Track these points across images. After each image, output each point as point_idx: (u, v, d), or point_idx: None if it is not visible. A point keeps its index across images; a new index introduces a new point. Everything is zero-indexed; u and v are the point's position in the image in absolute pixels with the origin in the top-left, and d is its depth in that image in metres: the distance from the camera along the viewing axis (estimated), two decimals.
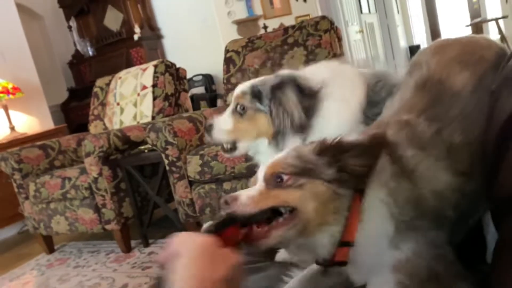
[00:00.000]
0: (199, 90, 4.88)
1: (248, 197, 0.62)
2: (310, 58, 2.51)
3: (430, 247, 0.64)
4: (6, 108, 3.67)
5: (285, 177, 0.64)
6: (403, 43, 8.46)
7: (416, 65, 0.87)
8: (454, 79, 0.77)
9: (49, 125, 4.15)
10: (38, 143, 3.11)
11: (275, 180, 0.64)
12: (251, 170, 2.10)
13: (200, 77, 4.92)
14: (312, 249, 0.66)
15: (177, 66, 3.22)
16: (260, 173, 0.68)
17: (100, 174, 2.52)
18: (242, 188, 2.19)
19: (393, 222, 0.64)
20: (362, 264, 0.67)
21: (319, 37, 2.48)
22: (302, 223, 0.62)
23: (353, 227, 0.64)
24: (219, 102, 4.76)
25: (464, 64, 0.79)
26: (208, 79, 4.96)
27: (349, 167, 0.64)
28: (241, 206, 0.61)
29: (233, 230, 0.59)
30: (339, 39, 2.55)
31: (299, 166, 0.65)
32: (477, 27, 7.32)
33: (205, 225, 0.61)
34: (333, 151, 0.65)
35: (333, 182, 0.63)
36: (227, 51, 2.83)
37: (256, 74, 2.67)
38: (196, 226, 2.39)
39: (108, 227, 2.59)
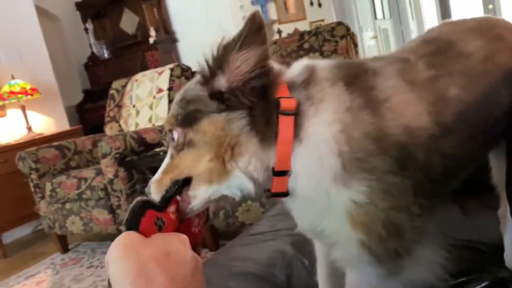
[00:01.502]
0: None
1: (154, 182, 0.57)
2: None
3: (389, 195, 0.53)
4: (24, 109, 3.73)
5: (175, 135, 0.56)
6: None
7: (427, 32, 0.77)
8: (466, 43, 0.67)
9: (65, 126, 4.20)
10: (55, 143, 3.16)
11: (171, 139, 0.57)
12: None
13: None
14: (240, 192, 0.58)
15: (193, 70, 3.25)
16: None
17: (115, 175, 2.55)
18: None
19: (340, 159, 0.53)
20: (306, 200, 0.57)
21: (335, 43, 2.49)
22: (209, 184, 0.56)
23: (284, 156, 0.54)
24: None
25: (479, 34, 0.69)
26: None
27: (237, 76, 0.53)
28: (152, 194, 0.57)
29: (148, 217, 0.53)
30: (355, 45, 2.56)
31: (184, 113, 0.55)
32: None
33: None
34: (218, 64, 0.54)
35: (222, 111, 0.53)
36: None
37: None
38: (210, 229, 2.40)
39: (122, 228, 2.61)
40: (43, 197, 2.95)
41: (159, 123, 3.05)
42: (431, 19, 8.88)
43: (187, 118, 0.55)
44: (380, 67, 0.61)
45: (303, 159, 0.55)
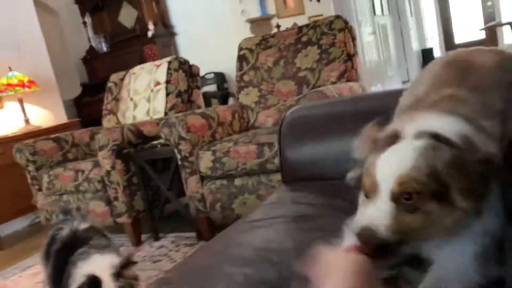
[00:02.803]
0: (211, 88, 4.91)
1: (388, 227, 0.57)
2: (323, 57, 2.52)
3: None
4: (21, 101, 3.73)
5: (414, 197, 0.56)
6: (415, 46, 8.42)
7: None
8: (480, 57, 0.76)
9: (63, 119, 4.20)
10: (52, 136, 3.16)
11: (403, 198, 0.57)
12: (263, 167, 2.12)
13: (212, 75, 4.95)
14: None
15: (190, 63, 3.24)
16: (384, 184, 0.58)
17: (113, 167, 2.55)
18: (253, 186, 2.20)
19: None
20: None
21: (333, 36, 2.50)
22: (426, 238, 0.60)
23: None
24: (231, 101, 4.79)
25: (488, 51, 0.79)
26: (220, 77, 4.98)
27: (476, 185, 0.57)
28: (382, 238, 0.56)
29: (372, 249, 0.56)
30: (353, 38, 2.56)
31: (432, 188, 0.56)
32: (491, 31, 7.26)
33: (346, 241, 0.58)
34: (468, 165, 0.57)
35: (464, 210, 0.57)
36: (240, 49, 2.85)
37: (269, 72, 2.69)
38: (206, 222, 2.41)
39: (119, 220, 2.63)
40: (40, 189, 2.95)
41: (156, 116, 3.05)
42: (430, 16, 8.88)
43: (435, 193, 0.57)
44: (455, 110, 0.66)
45: None
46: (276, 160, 2.05)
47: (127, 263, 1.44)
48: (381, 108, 1.13)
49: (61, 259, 1.57)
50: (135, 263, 1.47)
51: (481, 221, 0.59)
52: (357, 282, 0.51)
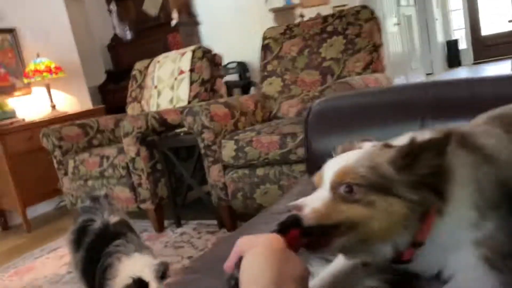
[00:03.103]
0: (233, 77, 4.92)
1: (313, 210, 0.59)
2: (349, 47, 2.50)
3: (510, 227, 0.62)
4: (48, 87, 3.81)
5: (354, 189, 0.59)
6: (440, 38, 8.25)
7: None
8: None
9: (88, 105, 4.27)
10: (78, 121, 3.22)
11: (343, 189, 0.60)
12: (285, 157, 2.12)
13: (234, 65, 4.95)
14: (373, 254, 0.63)
15: (213, 52, 3.25)
16: (327, 177, 0.62)
17: (137, 154, 2.59)
18: (275, 176, 2.21)
19: (477, 211, 0.62)
20: (431, 258, 0.64)
21: (360, 27, 2.47)
22: (365, 236, 0.60)
23: (426, 230, 0.61)
24: (252, 90, 4.79)
25: None
26: (242, 67, 4.98)
27: (425, 176, 0.59)
28: (305, 218, 0.58)
29: (295, 233, 0.56)
30: (379, 29, 2.52)
31: (373, 180, 0.59)
32: None
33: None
34: (410, 160, 0.60)
35: (413, 202, 0.59)
36: (264, 38, 2.84)
37: (293, 62, 2.68)
38: (228, 210, 2.43)
39: (143, 206, 2.67)
40: (66, 174, 3.02)
41: (180, 104, 3.08)
42: (456, 7, 8.67)
43: (376, 186, 0.59)
44: (468, 129, 0.71)
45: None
46: (299, 151, 2.05)
47: (168, 266, 1.49)
48: (410, 101, 1.13)
49: (94, 251, 1.63)
50: (168, 264, 1.51)
51: (482, 227, 0.61)
52: (279, 261, 0.50)
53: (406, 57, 6.64)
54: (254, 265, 0.49)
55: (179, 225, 2.74)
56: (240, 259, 0.51)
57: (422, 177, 0.59)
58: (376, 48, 2.47)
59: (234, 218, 2.46)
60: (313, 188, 0.66)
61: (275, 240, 0.53)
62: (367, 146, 0.68)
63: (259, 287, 0.47)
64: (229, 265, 0.54)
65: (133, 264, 1.48)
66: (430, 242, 0.62)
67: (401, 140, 0.66)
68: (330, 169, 0.63)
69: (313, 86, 2.58)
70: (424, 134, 0.63)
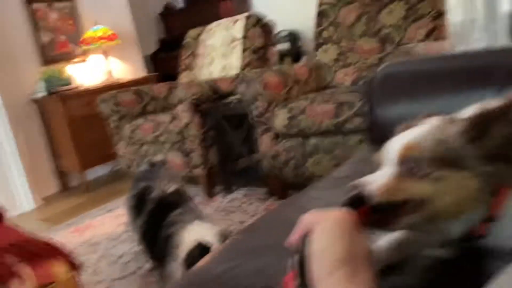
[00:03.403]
0: (284, 46, 4.83)
1: (379, 187, 0.57)
2: (410, 13, 2.37)
3: None
4: (105, 54, 3.91)
5: (422, 164, 0.57)
6: (506, 6, 7.68)
7: None
8: None
9: (142, 73, 4.36)
10: (133, 88, 3.30)
11: (410, 164, 0.57)
12: (340, 127, 2.07)
13: (285, 33, 4.84)
14: (443, 232, 0.61)
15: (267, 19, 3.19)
16: (391, 153, 0.60)
17: (190, 121, 2.62)
18: (328, 146, 2.17)
19: None
20: (506, 232, 0.60)
21: None
22: (435, 213, 0.57)
23: (500, 204, 0.58)
24: (303, 59, 4.69)
25: None
26: (293, 36, 4.87)
27: (498, 147, 0.56)
28: (372, 196, 0.56)
29: (366, 210, 0.55)
30: None
31: (441, 154, 0.56)
32: None
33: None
34: (481, 130, 0.56)
35: (486, 174, 0.55)
36: (320, 3, 2.75)
37: (350, 28, 2.58)
38: (278, 179, 2.43)
39: (195, 171, 2.73)
40: (121, 139, 3.12)
41: (232, 72, 3.07)
42: None
43: (445, 160, 0.57)
44: None
45: None
46: (356, 120, 2.00)
47: (230, 232, 1.57)
48: (487, 67, 1.05)
49: (154, 219, 1.71)
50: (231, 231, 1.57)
51: None
52: (351, 238, 0.48)
53: (467, 27, 6.25)
54: (324, 240, 0.48)
55: (229, 191, 2.78)
56: (306, 235, 0.50)
57: (495, 148, 0.56)
58: (440, 14, 2.32)
59: (284, 187, 2.46)
60: (376, 165, 0.64)
61: (348, 215, 0.51)
62: (433, 121, 0.63)
63: (330, 262, 0.45)
64: (294, 239, 0.52)
65: (196, 231, 1.53)
66: (504, 216, 0.59)
67: (468, 112, 0.62)
68: (395, 145, 0.60)
69: (371, 54, 2.48)
70: (493, 103, 0.59)
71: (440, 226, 0.59)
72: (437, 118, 0.64)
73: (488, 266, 0.63)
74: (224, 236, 1.50)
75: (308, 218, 0.52)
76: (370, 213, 0.55)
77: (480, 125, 0.56)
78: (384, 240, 0.70)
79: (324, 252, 0.47)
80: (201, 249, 1.46)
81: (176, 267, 1.57)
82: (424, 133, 0.59)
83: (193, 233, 1.53)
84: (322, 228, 0.49)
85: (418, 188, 0.56)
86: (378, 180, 0.57)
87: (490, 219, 0.59)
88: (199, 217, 1.68)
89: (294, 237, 0.52)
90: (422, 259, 0.68)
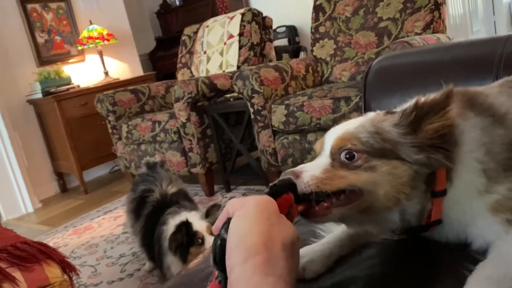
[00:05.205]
0: (282, 42, 4.80)
1: (312, 177, 0.56)
2: (408, 5, 2.34)
3: None
4: (101, 54, 3.88)
5: (356, 155, 0.57)
6: None
7: None
8: None
9: (139, 72, 4.34)
10: (130, 87, 3.27)
11: (343, 156, 0.57)
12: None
13: (283, 29, 4.81)
14: (379, 224, 0.61)
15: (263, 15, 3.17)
16: (327, 143, 0.60)
17: (188, 119, 2.60)
18: None
19: (486, 174, 0.58)
20: (451, 221, 0.61)
21: None
22: (369, 204, 0.57)
23: (442, 181, 0.58)
24: (302, 55, 4.66)
25: None
26: (291, 31, 4.84)
27: (431, 138, 0.57)
28: (302, 185, 0.56)
29: (288, 197, 0.54)
30: None
31: (375, 145, 0.57)
32: None
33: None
34: (414, 121, 0.57)
35: (418, 162, 0.56)
36: None
37: (347, 23, 2.55)
38: (277, 176, 2.41)
39: (194, 170, 2.70)
40: (119, 139, 3.10)
41: (229, 69, 3.04)
42: None
43: (379, 151, 0.58)
44: (480, 91, 0.67)
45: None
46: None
47: (214, 206, 1.64)
48: (483, 56, 1.02)
49: (152, 221, 1.73)
50: (220, 206, 1.66)
51: (494, 192, 0.57)
52: (270, 221, 0.47)
53: (467, 19, 6.21)
54: (242, 225, 0.47)
55: (228, 189, 2.76)
56: (228, 220, 0.49)
57: (427, 139, 0.57)
58: (438, 6, 2.29)
59: None
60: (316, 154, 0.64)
61: (266, 202, 0.50)
62: (370, 113, 0.65)
63: (245, 248, 0.45)
64: (217, 226, 0.51)
65: (181, 217, 1.60)
66: (445, 216, 0.60)
67: (406, 106, 0.63)
68: (331, 136, 0.61)
69: (368, 48, 2.45)
70: (430, 96, 0.59)
71: (376, 218, 0.59)
72: (375, 112, 0.66)
73: (435, 255, 0.63)
74: (205, 211, 1.61)
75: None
76: (294, 201, 0.55)
77: (413, 118, 0.57)
78: (335, 233, 0.71)
79: (240, 238, 0.46)
80: (185, 229, 1.52)
81: (171, 260, 1.58)
82: (359, 125, 0.60)
83: (178, 218, 1.59)
84: (241, 214, 0.48)
85: (350, 179, 0.56)
86: (310, 170, 0.58)
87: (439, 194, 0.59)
88: (189, 210, 1.70)
89: (217, 224, 0.52)
90: (370, 250, 0.68)
